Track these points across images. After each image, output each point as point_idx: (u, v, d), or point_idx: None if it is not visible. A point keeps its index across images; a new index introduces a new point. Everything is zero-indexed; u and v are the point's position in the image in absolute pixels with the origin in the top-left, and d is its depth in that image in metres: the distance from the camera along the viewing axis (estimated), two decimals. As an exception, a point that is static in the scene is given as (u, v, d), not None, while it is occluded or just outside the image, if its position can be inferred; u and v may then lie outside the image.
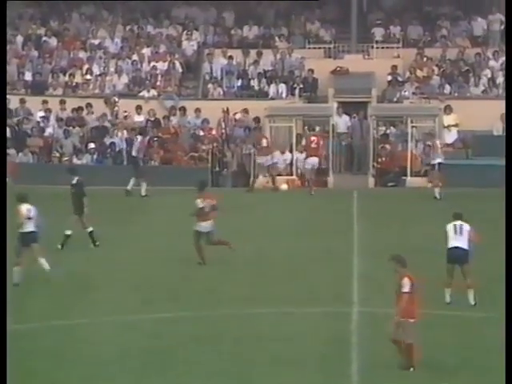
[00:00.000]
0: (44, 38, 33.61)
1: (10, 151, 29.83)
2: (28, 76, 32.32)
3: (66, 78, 32.21)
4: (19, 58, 32.80)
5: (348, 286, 18.45)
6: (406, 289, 13.58)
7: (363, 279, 18.96)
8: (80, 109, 30.89)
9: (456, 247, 16.83)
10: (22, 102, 31.13)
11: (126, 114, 30.41)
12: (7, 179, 27.81)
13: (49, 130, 30.65)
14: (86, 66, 32.51)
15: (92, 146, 30.10)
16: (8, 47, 32.97)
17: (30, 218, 18.30)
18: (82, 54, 33.10)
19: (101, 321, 16.27)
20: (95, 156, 29.95)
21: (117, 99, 30.99)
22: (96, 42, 33.54)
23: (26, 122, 30.76)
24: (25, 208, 18.40)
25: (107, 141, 30.37)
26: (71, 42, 33.48)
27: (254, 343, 15.26)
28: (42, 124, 30.74)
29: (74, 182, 21.50)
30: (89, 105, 31.05)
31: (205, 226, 19.80)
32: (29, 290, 18.21)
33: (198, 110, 30.55)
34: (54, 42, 33.53)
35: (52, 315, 16.60)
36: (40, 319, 16.36)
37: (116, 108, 30.91)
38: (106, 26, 34.13)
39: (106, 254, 20.99)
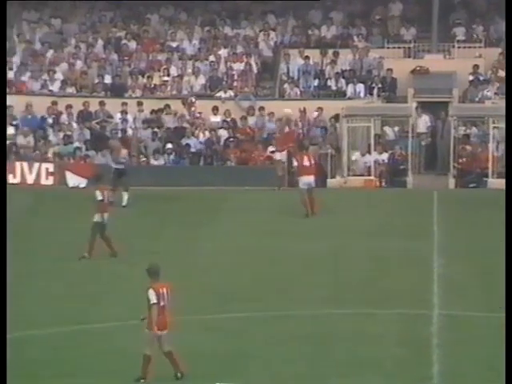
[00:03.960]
0: (123, 41, 33.91)
1: (90, 153, 30.16)
2: (108, 79, 32.63)
3: (145, 80, 32.43)
4: (99, 61, 33.16)
5: (428, 288, 18.08)
6: (153, 300, 13.54)
7: (443, 281, 18.57)
8: (160, 110, 31.07)
9: None
10: (102, 104, 31.43)
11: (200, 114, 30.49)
12: (86, 181, 28.21)
13: (128, 132, 30.87)
14: (163, 68, 32.70)
15: (170, 146, 30.24)
16: (89, 51, 33.39)
17: None
18: (160, 56, 33.29)
19: (183, 320, 16.23)
20: (172, 157, 30.08)
21: (194, 100, 31.09)
22: (174, 44, 33.72)
23: (105, 124, 31.05)
24: None
25: (184, 141, 30.47)
26: (150, 45, 33.71)
27: (332, 344, 15.05)
28: (121, 126, 31.00)
29: None
30: (167, 106, 31.22)
31: (104, 217, 20.24)
32: (102, 290, 18.31)
33: (271, 114, 30.41)
34: (133, 44, 33.78)
35: (128, 316, 16.62)
36: (116, 319, 16.40)
37: (193, 109, 31.00)
38: (183, 27, 34.29)
39: (182, 254, 20.99)
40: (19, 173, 29.23)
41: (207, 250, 21.29)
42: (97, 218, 20.36)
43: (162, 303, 13.60)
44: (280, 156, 28.71)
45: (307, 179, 24.32)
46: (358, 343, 14.70)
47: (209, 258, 20.72)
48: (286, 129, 29.47)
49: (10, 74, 32.52)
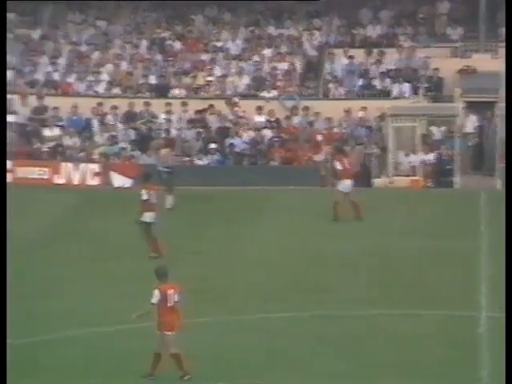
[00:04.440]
0: (168, 42, 33.99)
1: (135, 153, 30.26)
2: (152, 79, 32.73)
3: (189, 80, 32.47)
4: (143, 61, 33.27)
5: (475, 289, 17.81)
6: (154, 300, 13.42)
7: (491, 283, 18.26)
8: (204, 110, 31.06)
9: None
10: (147, 104, 31.52)
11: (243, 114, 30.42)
12: (131, 181, 28.31)
13: (172, 132, 30.92)
14: (208, 68, 32.71)
15: (213, 146, 30.21)
16: (133, 51, 33.52)
17: None
18: (204, 56, 33.32)
19: (224, 320, 16.17)
20: (216, 156, 30.05)
21: (238, 100, 31.04)
22: (218, 44, 33.72)
23: (150, 125, 31.14)
24: None
25: (228, 141, 30.44)
26: (194, 45, 33.76)
27: (377, 344, 14.87)
28: (165, 126, 31.05)
29: None
30: (211, 106, 31.21)
31: (150, 216, 19.96)
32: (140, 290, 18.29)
33: (317, 114, 30.28)
34: (177, 45, 33.86)
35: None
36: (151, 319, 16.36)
37: (236, 108, 30.95)
38: (227, 28, 34.28)
39: (224, 254, 20.92)
40: (65, 173, 29.45)
41: (249, 250, 21.21)
42: (142, 217, 20.24)
43: (169, 304, 13.41)
44: (320, 157, 28.60)
45: (347, 183, 24.13)
46: (404, 344, 14.49)
47: (251, 257, 20.63)
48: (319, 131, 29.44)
49: (56, 76, 32.80)
